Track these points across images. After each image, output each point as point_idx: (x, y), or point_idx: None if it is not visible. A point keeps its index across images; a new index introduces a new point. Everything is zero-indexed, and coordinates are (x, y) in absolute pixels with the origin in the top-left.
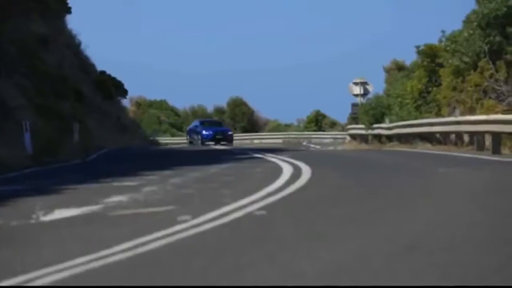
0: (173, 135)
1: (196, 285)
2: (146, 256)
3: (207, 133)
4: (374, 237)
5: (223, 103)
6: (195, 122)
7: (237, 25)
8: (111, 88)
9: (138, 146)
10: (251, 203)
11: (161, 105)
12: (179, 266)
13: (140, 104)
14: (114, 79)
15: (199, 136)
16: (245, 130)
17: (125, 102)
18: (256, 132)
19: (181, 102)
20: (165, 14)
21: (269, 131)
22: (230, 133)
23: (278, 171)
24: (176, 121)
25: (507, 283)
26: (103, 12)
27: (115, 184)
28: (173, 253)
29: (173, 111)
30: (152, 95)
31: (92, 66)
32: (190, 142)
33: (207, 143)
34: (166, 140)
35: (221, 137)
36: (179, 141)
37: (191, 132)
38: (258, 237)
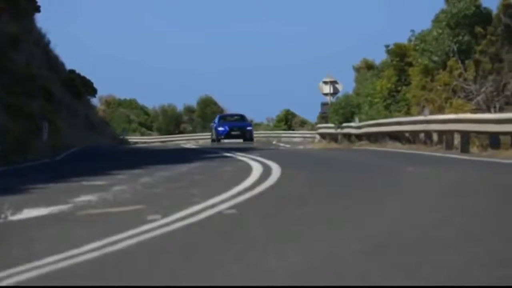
0: (142, 134)
1: (176, 285)
2: (115, 256)
3: (222, 129)
4: (343, 236)
5: (193, 102)
6: (216, 118)
7: (209, 24)
8: (80, 87)
9: (107, 145)
10: (221, 202)
11: (131, 104)
12: (148, 265)
13: (109, 103)
14: (83, 78)
15: (214, 133)
16: None
17: (95, 101)
18: None
19: (151, 101)
20: (137, 8)
21: None
22: (249, 128)
23: (247, 170)
24: (146, 120)
25: (473, 283)
26: (72, 8)
27: (84, 183)
28: (142, 252)
29: (143, 110)
30: (122, 94)
31: (61, 65)
32: (213, 140)
33: (224, 140)
34: (135, 139)
35: (238, 133)
36: (148, 140)
37: (212, 129)
38: (228, 236)
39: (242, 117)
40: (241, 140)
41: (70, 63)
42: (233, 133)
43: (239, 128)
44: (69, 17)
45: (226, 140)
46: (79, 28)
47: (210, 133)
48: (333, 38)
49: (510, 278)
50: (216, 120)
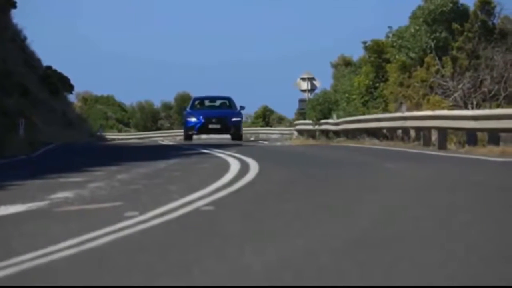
0: (120, 130)
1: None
2: (92, 252)
3: (194, 120)
4: (321, 232)
5: (170, 98)
6: (189, 103)
7: (187, 18)
8: (57, 83)
9: (84, 142)
10: (199, 198)
11: (108, 100)
12: (126, 262)
13: (86, 99)
14: (60, 74)
15: (184, 126)
16: None
17: (71, 97)
18: None
19: (128, 98)
20: (114, 6)
21: None
22: (236, 119)
23: (225, 166)
24: (123, 116)
25: (449, 279)
26: (47, 4)
27: (61, 180)
28: (119, 249)
29: (120, 107)
30: (99, 91)
31: (37, 61)
32: (185, 137)
33: (199, 136)
34: (113, 135)
35: (218, 126)
36: (126, 136)
37: (184, 121)
38: (205, 232)
39: (227, 102)
40: (224, 137)
41: (47, 59)
42: (211, 126)
43: (221, 118)
44: (47, 11)
45: (203, 136)
46: (60, 20)
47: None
48: (312, 35)
49: (488, 274)
50: (189, 106)
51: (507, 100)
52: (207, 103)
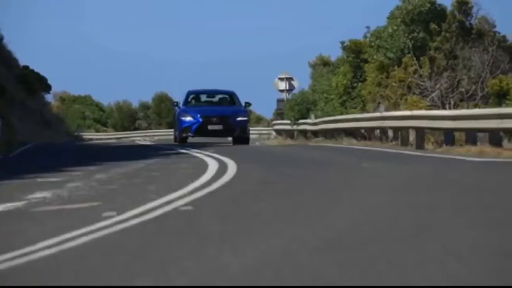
0: (97, 130)
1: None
2: (70, 252)
3: (190, 119)
4: (299, 232)
5: (148, 98)
6: (183, 98)
7: (166, 16)
8: (35, 83)
9: (62, 142)
10: (177, 198)
11: (86, 100)
12: (104, 262)
13: (64, 99)
14: (37, 73)
15: (177, 126)
16: (171, 126)
17: (49, 97)
18: None
19: (106, 98)
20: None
21: None
22: (241, 118)
23: (203, 166)
24: (101, 116)
25: (426, 279)
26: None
27: (39, 180)
28: (97, 249)
29: (98, 107)
30: (77, 91)
31: (14, 60)
32: (176, 139)
33: (194, 136)
34: (90, 135)
35: (220, 128)
36: (104, 136)
37: (175, 119)
38: (184, 232)
39: (229, 97)
40: (226, 140)
41: (24, 58)
42: (211, 127)
43: (224, 117)
44: (24, 9)
45: (229, 139)
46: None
47: (169, 129)
48: (290, 35)
49: (465, 273)
50: (182, 101)
51: (484, 100)
52: (204, 98)
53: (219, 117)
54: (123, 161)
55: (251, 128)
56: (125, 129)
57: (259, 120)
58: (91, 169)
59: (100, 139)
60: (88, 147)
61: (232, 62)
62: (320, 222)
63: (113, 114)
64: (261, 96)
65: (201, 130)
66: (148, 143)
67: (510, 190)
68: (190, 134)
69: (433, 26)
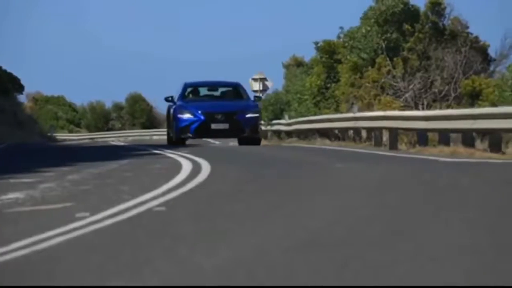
0: (71, 131)
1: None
2: (44, 253)
3: (189, 116)
4: (273, 233)
5: (121, 99)
6: (179, 92)
7: (141, 17)
8: (7, 83)
9: (35, 142)
10: (151, 199)
11: (59, 100)
12: (77, 262)
13: (37, 99)
14: (10, 74)
15: (173, 125)
16: (144, 126)
17: (22, 97)
18: (156, 128)
19: (79, 98)
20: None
21: None
22: (251, 115)
23: (177, 167)
24: (74, 117)
25: (399, 279)
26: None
27: (11, 180)
28: (71, 249)
29: (71, 107)
30: (50, 91)
31: None
32: (171, 140)
33: (194, 138)
34: (64, 136)
35: (226, 127)
36: (77, 137)
37: (169, 116)
38: (157, 233)
39: (235, 90)
40: (231, 141)
41: None
42: (215, 126)
43: (230, 114)
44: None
45: (216, 142)
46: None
47: (144, 129)
48: (264, 36)
49: (437, 273)
50: (178, 96)
51: (457, 101)
52: (204, 91)
53: (225, 114)
54: (96, 161)
55: None
56: (98, 129)
57: None
58: (64, 169)
59: (74, 139)
60: (61, 148)
61: (206, 63)
62: (293, 222)
63: (86, 115)
64: None
65: (202, 130)
66: (122, 143)
67: (483, 190)
68: (189, 134)
69: (406, 26)
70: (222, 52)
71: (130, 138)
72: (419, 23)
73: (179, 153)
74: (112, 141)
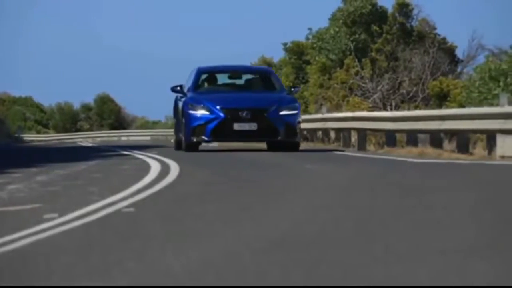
0: (39, 132)
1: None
2: (11, 255)
3: (204, 113)
4: (243, 234)
5: (90, 100)
6: (190, 79)
7: (107, 16)
8: None
9: (2, 143)
10: (119, 200)
11: (26, 101)
12: (45, 264)
13: (4, 100)
14: None
15: (184, 124)
16: (113, 127)
17: None
18: (124, 129)
19: (48, 99)
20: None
21: (137, 128)
22: (286, 112)
23: (146, 168)
24: (42, 118)
25: (368, 280)
26: None
27: None
28: (39, 251)
29: (39, 108)
30: (17, 92)
31: None
32: (180, 145)
33: (212, 144)
34: (31, 137)
35: (254, 128)
36: (45, 138)
37: (177, 114)
38: (126, 234)
39: (264, 78)
40: (259, 148)
41: None
42: (239, 126)
43: (259, 110)
44: None
45: (214, 144)
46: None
47: (112, 130)
48: (233, 37)
49: (405, 273)
50: (189, 85)
51: (425, 102)
52: (224, 79)
53: (252, 110)
54: (64, 162)
55: None
56: (66, 130)
57: None
58: (32, 170)
59: (42, 140)
60: (29, 149)
61: (175, 63)
62: (263, 223)
63: (54, 116)
64: None
65: (222, 131)
66: (90, 144)
67: (450, 190)
68: (204, 137)
69: (374, 28)
70: (189, 52)
71: (98, 139)
72: (387, 24)
73: (148, 154)
74: (80, 142)
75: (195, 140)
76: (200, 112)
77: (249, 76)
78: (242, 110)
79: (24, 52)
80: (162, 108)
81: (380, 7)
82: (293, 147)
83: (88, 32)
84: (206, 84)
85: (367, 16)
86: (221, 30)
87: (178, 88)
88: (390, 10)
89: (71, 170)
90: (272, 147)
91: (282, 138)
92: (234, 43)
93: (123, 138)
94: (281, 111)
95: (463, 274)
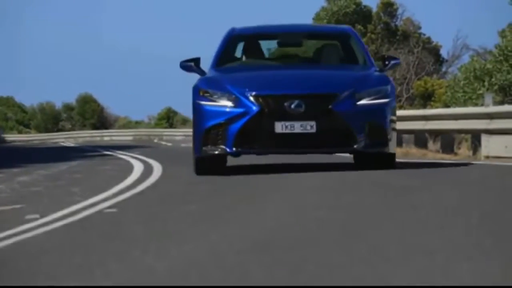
0: (20, 132)
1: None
2: None
3: (224, 106)
4: (226, 234)
5: (72, 100)
6: (216, 50)
7: (90, 15)
8: None
9: None
10: (102, 201)
11: (8, 101)
12: (27, 265)
13: None
14: None
15: (194, 127)
16: (95, 127)
17: None
18: (106, 129)
19: (29, 99)
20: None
21: (119, 128)
22: (369, 102)
23: (129, 168)
24: (24, 118)
25: (355, 280)
26: None
27: None
28: (21, 252)
29: (20, 108)
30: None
31: None
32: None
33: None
34: (13, 137)
35: (312, 130)
36: (26, 138)
37: (195, 113)
38: (108, 235)
39: (339, 47)
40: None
41: None
42: (283, 125)
43: (319, 97)
44: None
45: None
46: None
47: (94, 130)
48: (215, 37)
49: (390, 273)
50: (214, 58)
51: (409, 102)
52: (273, 48)
53: (307, 98)
54: (46, 163)
55: (177, 130)
56: (48, 130)
57: (185, 122)
58: (14, 171)
59: (23, 141)
60: (10, 149)
61: (158, 64)
62: (248, 224)
63: (36, 116)
64: (187, 98)
65: (254, 136)
66: (72, 145)
67: (435, 190)
68: (225, 147)
69: (358, 27)
70: (172, 51)
71: (80, 139)
72: (372, 24)
73: (131, 154)
74: (63, 142)
75: (209, 152)
76: (218, 103)
77: (321, 42)
78: (290, 98)
79: (4, 52)
80: (144, 108)
81: (365, 6)
82: (388, 162)
83: (85, 31)
84: (244, 58)
85: (351, 16)
86: (204, 29)
87: (192, 64)
88: (374, 9)
89: (53, 171)
90: (361, 163)
91: (362, 146)
92: (217, 42)
93: (106, 138)
94: (360, 99)
95: (449, 274)
